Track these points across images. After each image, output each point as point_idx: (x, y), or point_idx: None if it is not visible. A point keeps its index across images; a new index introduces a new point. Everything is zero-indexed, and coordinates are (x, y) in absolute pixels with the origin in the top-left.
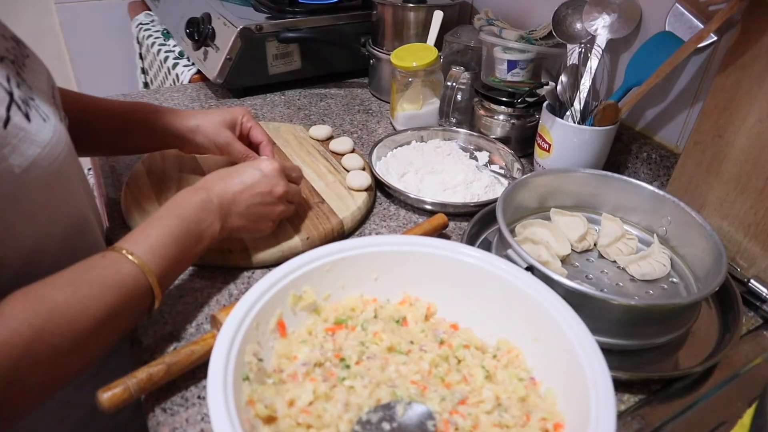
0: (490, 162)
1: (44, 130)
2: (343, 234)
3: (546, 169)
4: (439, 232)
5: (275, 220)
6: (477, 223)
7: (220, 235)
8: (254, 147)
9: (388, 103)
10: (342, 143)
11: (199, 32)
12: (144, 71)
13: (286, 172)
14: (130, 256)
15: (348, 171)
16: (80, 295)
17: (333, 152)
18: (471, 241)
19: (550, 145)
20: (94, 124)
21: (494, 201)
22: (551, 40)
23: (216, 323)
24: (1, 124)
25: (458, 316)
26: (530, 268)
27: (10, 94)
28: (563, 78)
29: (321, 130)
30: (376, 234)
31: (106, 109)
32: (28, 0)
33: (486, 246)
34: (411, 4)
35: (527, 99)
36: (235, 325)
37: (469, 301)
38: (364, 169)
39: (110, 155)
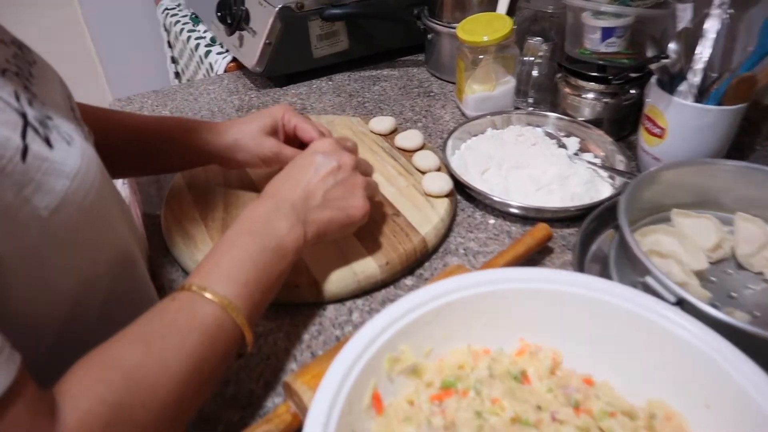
0: (581, 149)
1: (71, 155)
2: (426, 254)
3: (674, 160)
4: (543, 246)
5: (363, 195)
6: (584, 232)
7: (307, 242)
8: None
9: (452, 83)
10: (410, 138)
11: (232, 15)
12: (174, 60)
13: (340, 143)
14: (205, 294)
15: (422, 172)
16: (155, 352)
17: (400, 149)
18: (581, 255)
19: (663, 130)
20: (117, 145)
21: (600, 203)
22: None
23: (291, 393)
24: (18, 155)
25: (590, 366)
26: (680, 302)
27: (23, 116)
28: (673, 46)
29: (383, 123)
30: (464, 250)
31: (130, 127)
32: None
33: (601, 262)
34: None
35: (631, 75)
36: (323, 418)
37: (602, 346)
38: (440, 168)
39: (137, 177)
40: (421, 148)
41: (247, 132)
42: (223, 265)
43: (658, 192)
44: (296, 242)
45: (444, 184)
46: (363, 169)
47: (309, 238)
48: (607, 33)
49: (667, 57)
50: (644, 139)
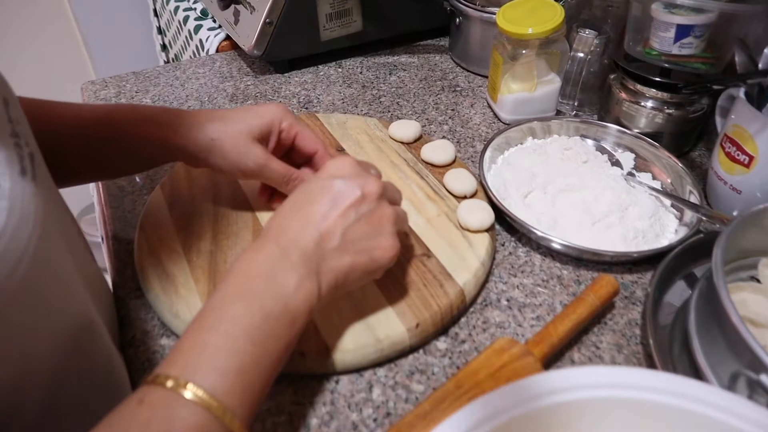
0: (637, 167)
1: None
2: (464, 309)
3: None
4: (607, 304)
5: (392, 232)
6: (656, 287)
7: (321, 299)
8: (298, 164)
9: (481, 76)
10: (440, 150)
11: None
12: (161, 31)
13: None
14: (185, 392)
15: (454, 195)
16: None
17: (427, 163)
18: (653, 315)
19: (751, 158)
20: (59, 145)
21: (672, 247)
22: None
23: None
24: None
25: None
26: None
27: None
28: None
29: (407, 129)
30: (507, 301)
31: (73, 122)
32: None
33: (675, 326)
34: None
35: (714, 87)
36: None
37: None
38: (476, 192)
39: (94, 181)
40: (453, 162)
41: (230, 133)
42: (209, 347)
43: (749, 237)
44: (308, 301)
45: (485, 216)
46: (390, 196)
47: (324, 293)
48: (682, 31)
49: (765, 72)
50: (721, 165)
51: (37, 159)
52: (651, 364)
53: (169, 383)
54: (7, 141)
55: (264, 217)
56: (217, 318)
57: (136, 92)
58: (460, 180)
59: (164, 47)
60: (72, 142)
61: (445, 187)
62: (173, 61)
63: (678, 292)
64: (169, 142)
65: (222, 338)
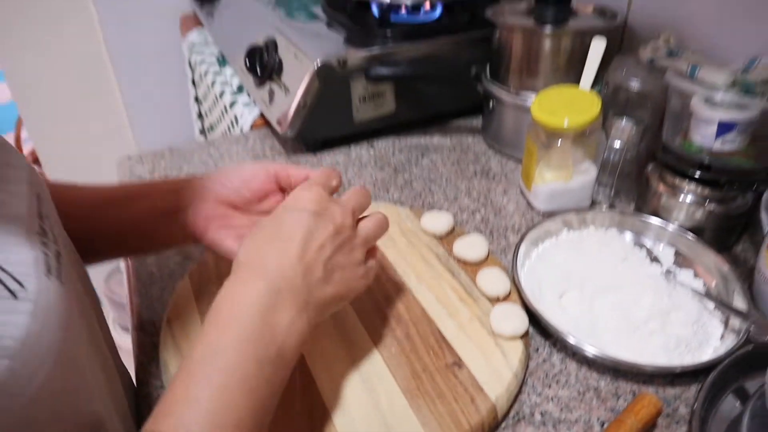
0: (678, 264)
1: (15, 317)
2: (495, 426)
3: None
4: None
5: (362, 260)
6: (702, 406)
7: (311, 331)
8: None
9: (514, 159)
10: (472, 246)
11: (263, 65)
12: (198, 100)
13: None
14: None
15: (488, 297)
16: None
17: (459, 259)
18: None
19: None
20: (87, 222)
21: (719, 361)
22: None
23: None
24: None
25: None
26: None
27: None
28: None
29: (439, 221)
30: (541, 415)
31: (99, 199)
32: (70, 20)
33: None
34: (550, 28)
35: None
36: None
37: None
38: (509, 293)
39: (118, 258)
40: (486, 258)
41: (226, 172)
42: (203, 402)
43: None
44: (300, 338)
45: (518, 324)
46: (358, 213)
47: (312, 326)
48: (724, 128)
49: None
50: None
51: (64, 257)
52: None
53: None
54: (34, 240)
55: None
56: (210, 369)
57: (171, 169)
58: (493, 281)
59: (200, 115)
60: (95, 222)
61: (478, 287)
62: (209, 130)
63: (727, 409)
64: (171, 207)
65: (217, 392)
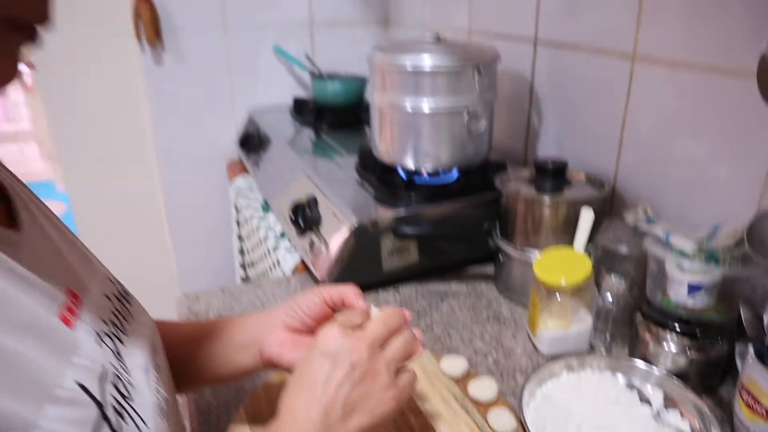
0: (666, 405)
1: None
2: None
3: None
4: None
5: (390, 382)
6: None
7: None
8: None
9: (522, 305)
10: (484, 388)
11: (305, 219)
12: (240, 238)
13: (346, 326)
14: None
15: None
16: None
17: (473, 399)
18: None
19: (767, 411)
20: (184, 351)
21: None
22: (740, 249)
23: None
24: None
25: None
26: None
27: (100, 406)
28: None
29: (456, 365)
30: None
31: (192, 331)
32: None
33: None
34: (548, 198)
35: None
36: None
37: None
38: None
39: (205, 386)
40: (497, 400)
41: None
42: None
43: None
44: None
45: None
46: (384, 342)
47: None
48: (693, 288)
49: (763, 336)
50: (743, 412)
51: (170, 401)
52: None
53: None
54: (152, 379)
55: None
56: None
57: (223, 308)
58: (502, 422)
59: (242, 251)
60: (189, 354)
61: (489, 425)
62: (250, 265)
63: None
64: (249, 339)
65: None
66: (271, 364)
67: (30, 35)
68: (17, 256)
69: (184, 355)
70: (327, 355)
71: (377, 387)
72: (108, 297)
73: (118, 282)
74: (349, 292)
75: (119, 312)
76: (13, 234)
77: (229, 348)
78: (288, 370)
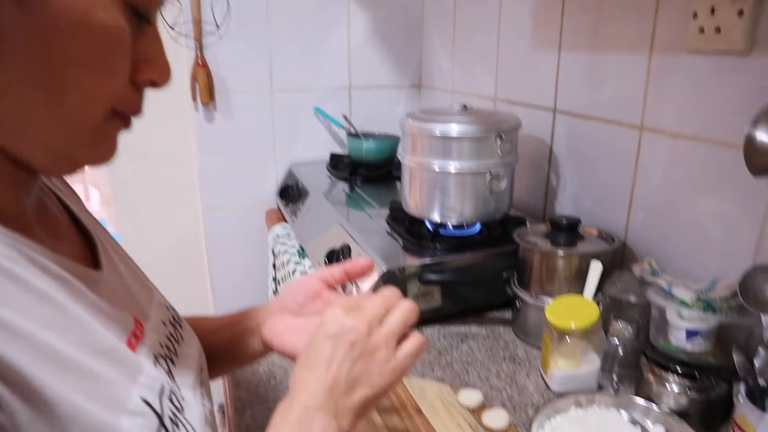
0: None
1: None
2: None
3: None
4: None
5: (389, 356)
6: None
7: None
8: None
9: (536, 348)
10: (497, 418)
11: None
12: (276, 281)
13: (348, 308)
14: None
15: None
16: None
17: (487, 428)
18: None
19: None
20: (214, 339)
21: None
22: (735, 300)
23: None
24: None
25: None
26: None
27: (159, 418)
28: (763, 353)
29: (472, 397)
30: None
31: (220, 325)
32: (181, 208)
33: None
34: (561, 252)
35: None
36: None
37: None
38: None
39: (231, 370)
40: (508, 430)
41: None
42: None
43: None
44: None
45: None
46: (383, 316)
47: (347, 428)
48: (691, 333)
49: (753, 378)
50: None
51: (212, 412)
52: None
53: None
54: (199, 395)
55: None
56: None
57: None
58: None
59: (276, 293)
60: (210, 345)
61: None
62: None
63: None
64: (254, 327)
65: None
66: (269, 348)
67: (127, 123)
68: (98, 291)
69: (209, 345)
70: (329, 337)
71: (377, 361)
72: (164, 323)
73: (173, 308)
74: (350, 262)
75: (173, 336)
76: (94, 273)
77: (242, 335)
78: (282, 353)
